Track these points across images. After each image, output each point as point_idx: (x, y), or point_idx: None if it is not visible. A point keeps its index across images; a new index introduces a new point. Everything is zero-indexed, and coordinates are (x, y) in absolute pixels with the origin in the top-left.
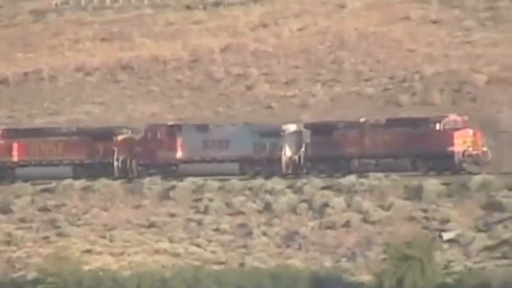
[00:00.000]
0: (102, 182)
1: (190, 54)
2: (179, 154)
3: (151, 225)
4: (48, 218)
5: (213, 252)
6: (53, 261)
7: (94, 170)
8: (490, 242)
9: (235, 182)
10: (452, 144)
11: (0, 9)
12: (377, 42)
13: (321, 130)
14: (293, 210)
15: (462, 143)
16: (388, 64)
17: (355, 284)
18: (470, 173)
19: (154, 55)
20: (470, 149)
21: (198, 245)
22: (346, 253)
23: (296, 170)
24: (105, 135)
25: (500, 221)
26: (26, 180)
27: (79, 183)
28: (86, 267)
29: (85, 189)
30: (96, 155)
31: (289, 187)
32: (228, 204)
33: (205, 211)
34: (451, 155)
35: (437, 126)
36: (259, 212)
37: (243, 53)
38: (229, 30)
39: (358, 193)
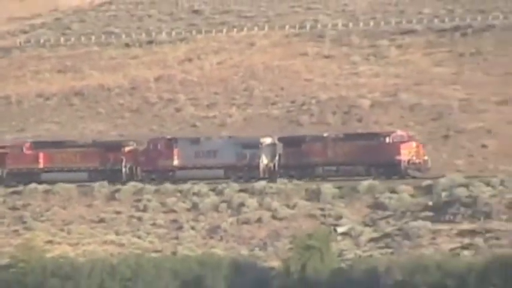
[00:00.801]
0: (60, 186)
1: (129, 83)
2: (176, 162)
3: (101, 220)
4: (16, 215)
5: (151, 242)
6: (22, 250)
7: (106, 175)
8: (375, 235)
9: (168, 186)
10: (399, 154)
11: None
12: (281, 74)
13: (291, 143)
14: (215, 208)
15: (407, 153)
16: (290, 91)
17: (266, 268)
18: (414, 178)
19: (100, 84)
20: (414, 158)
21: (139, 237)
22: (259, 243)
23: (271, 175)
24: (115, 146)
25: (383, 218)
26: (50, 184)
27: (42, 187)
28: (49, 255)
29: (47, 191)
30: (108, 163)
31: (212, 190)
32: (163, 204)
33: (144, 209)
34: (398, 163)
35: (387, 140)
36: (188, 210)
37: (172, 82)
38: (160, 63)
39: (268, 195)
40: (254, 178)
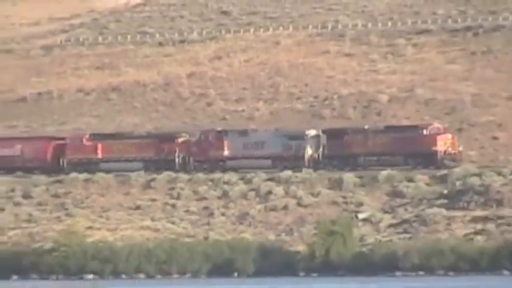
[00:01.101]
0: (99, 175)
1: (163, 79)
2: (226, 153)
3: (137, 207)
4: (58, 202)
5: (184, 228)
6: (64, 235)
7: (160, 165)
8: (394, 221)
9: (200, 175)
10: (436, 145)
11: (18, 45)
12: (304, 71)
13: (334, 135)
14: (244, 196)
15: (443, 144)
16: (313, 87)
17: (292, 252)
18: (448, 167)
19: (136, 80)
20: (450, 149)
21: (173, 223)
22: (285, 229)
23: (315, 165)
24: (169, 138)
25: (401, 205)
26: (107, 172)
27: (82, 175)
28: (89, 240)
29: (86, 180)
30: (162, 153)
31: (241, 179)
32: (195, 192)
33: (178, 197)
34: (435, 153)
35: (424, 132)
36: (219, 197)
37: (203, 78)
38: (192, 61)
39: (293, 184)
40: (299, 167)
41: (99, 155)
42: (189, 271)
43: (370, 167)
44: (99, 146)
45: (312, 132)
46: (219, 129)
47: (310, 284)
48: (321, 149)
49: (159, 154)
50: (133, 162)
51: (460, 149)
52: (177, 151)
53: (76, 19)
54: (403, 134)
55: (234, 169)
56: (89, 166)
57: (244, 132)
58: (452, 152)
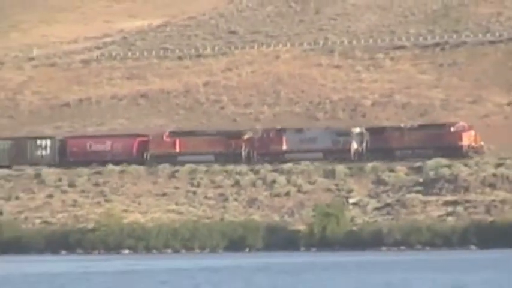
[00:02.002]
0: (132, 167)
1: (183, 87)
2: (284, 147)
3: (164, 194)
4: (98, 190)
5: (203, 211)
6: (104, 217)
7: (228, 158)
8: (378, 205)
9: (216, 167)
10: (461, 140)
11: (60, 59)
12: (301, 80)
13: (375, 132)
14: (253, 184)
15: (468, 139)
16: (308, 93)
17: (294, 231)
18: (471, 158)
19: (161, 88)
20: (473, 143)
21: (194, 207)
22: (288, 212)
23: (360, 157)
24: (236, 134)
25: (384, 191)
26: (183, 165)
27: (118, 167)
28: (125, 221)
29: (121, 171)
30: (230, 148)
31: (250, 170)
32: (212, 181)
33: (198, 185)
34: (461, 147)
35: (452, 129)
36: (232, 186)
37: (217, 86)
38: (207, 72)
39: (294, 174)
40: (346, 160)
41: (177, 150)
42: (209, 246)
43: (406, 159)
44: (177, 141)
45: (357, 129)
46: (278, 127)
47: (310, 257)
48: (364, 144)
49: (228, 149)
50: (206, 155)
51: (482, 143)
52: (243, 146)
53: (108, 38)
54: (434, 131)
55: (292, 161)
56: (169, 159)
57: (299, 130)
58: (475, 145)
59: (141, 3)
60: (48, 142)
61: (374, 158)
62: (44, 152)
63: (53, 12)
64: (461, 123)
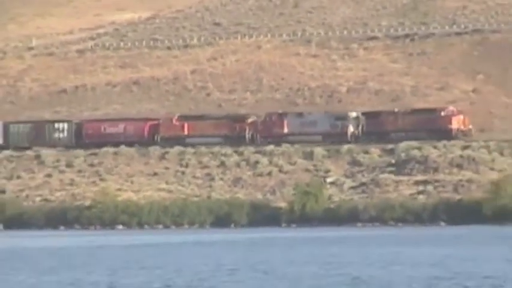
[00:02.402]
0: (124, 149)
1: (172, 75)
2: (286, 130)
3: (155, 174)
4: (94, 170)
5: (192, 190)
6: (99, 195)
7: (233, 140)
8: (354, 184)
9: (203, 149)
10: (451, 123)
11: (57, 49)
12: (281, 68)
13: (371, 116)
14: (238, 165)
15: (457, 123)
16: (288, 81)
17: (276, 208)
18: (458, 139)
19: (151, 76)
20: (462, 126)
21: (183, 186)
22: (270, 190)
23: (357, 139)
24: (241, 118)
25: (359, 172)
26: (192, 147)
27: (112, 149)
28: (119, 199)
29: (115, 153)
30: (235, 131)
31: (235, 151)
32: (199, 162)
33: (186, 166)
34: (450, 130)
35: (442, 113)
36: (218, 166)
37: (203, 74)
38: (194, 61)
39: (275, 155)
40: (344, 142)
41: (186, 132)
42: (197, 222)
43: (399, 141)
44: (186, 125)
45: (354, 114)
46: (280, 111)
47: (291, 232)
48: (360, 127)
49: (233, 131)
50: (212, 138)
51: (470, 126)
52: (247, 129)
53: (101, 29)
54: (425, 115)
55: (292, 143)
56: (178, 141)
57: (300, 114)
58: (464, 129)
59: None
60: (66, 125)
61: (370, 140)
62: (61, 135)
63: (48, 7)
64: (451, 108)
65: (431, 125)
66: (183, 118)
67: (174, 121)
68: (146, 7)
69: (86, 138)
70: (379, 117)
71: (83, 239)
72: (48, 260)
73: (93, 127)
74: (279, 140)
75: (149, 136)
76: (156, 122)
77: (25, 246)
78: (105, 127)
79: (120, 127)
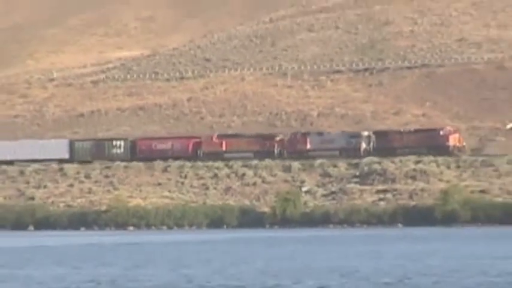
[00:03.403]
0: (133, 163)
1: (171, 102)
2: (308, 146)
3: (159, 184)
4: (108, 180)
5: (190, 197)
6: (114, 202)
7: (264, 155)
8: (325, 192)
9: (199, 163)
10: (448, 141)
11: (74, 80)
12: (262, 96)
13: (380, 134)
14: (228, 176)
15: (453, 141)
16: (268, 106)
17: (261, 212)
18: (454, 156)
19: (154, 103)
20: (458, 144)
21: (183, 194)
22: (255, 197)
23: (369, 155)
24: (270, 137)
25: (329, 182)
26: (229, 160)
27: (123, 163)
28: (130, 205)
29: (126, 166)
30: (265, 147)
31: (225, 165)
32: (196, 174)
33: (185, 177)
34: (448, 147)
35: (441, 132)
36: (212, 177)
37: (197, 101)
38: (189, 90)
39: (259, 168)
40: (357, 157)
41: (224, 148)
42: (195, 224)
43: (404, 156)
44: (224, 142)
45: (366, 133)
46: (303, 131)
47: (274, 233)
48: (371, 144)
49: (263, 148)
50: (246, 153)
51: (464, 143)
52: (276, 146)
53: (110, 64)
54: (426, 134)
55: (314, 157)
56: (217, 156)
57: (320, 133)
58: (459, 145)
59: (125, 38)
60: (122, 142)
61: (379, 155)
62: (118, 151)
63: (59, 45)
64: (449, 128)
65: (432, 143)
66: (222, 136)
67: (214, 139)
68: (139, 46)
69: (139, 153)
70: (387, 136)
71: (102, 238)
72: (80, 254)
73: (145, 144)
74: (303, 155)
75: (193, 152)
76: (198, 140)
77: (55, 244)
78: (155, 144)
79: (168, 144)
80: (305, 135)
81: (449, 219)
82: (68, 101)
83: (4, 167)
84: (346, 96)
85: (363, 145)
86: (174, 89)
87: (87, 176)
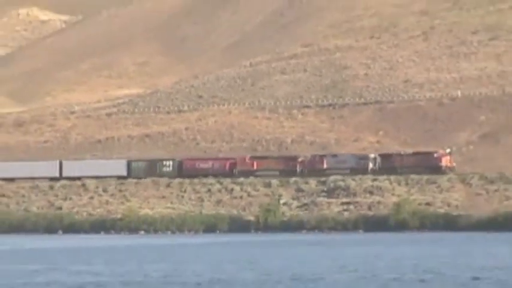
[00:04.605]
0: (143, 180)
1: (172, 131)
2: (325, 166)
3: (163, 197)
4: (121, 194)
5: (189, 208)
6: (127, 211)
7: (287, 173)
8: (299, 204)
9: (196, 180)
10: (441, 162)
11: (91, 113)
12: (246, 126)
13: (384, 156)
14: (220, 191)
15: (445, 162)
16: (251, 134)
17: (247, 220)
18: (440, 173)
19: (157, 131)
20: (449, 164)
21: (183, 205)
22: (242, 208)
23: (375, 173)
24: (293, 158)
25: (302, 196)
26: (258, 177)
27: (134, 180)
28: (140, 214)
29: (136, 183)
30: (289, 167)
31: (217, 182)
32: (194, 189)
33: (185, 191)
34: (441, 167)
35: (435, 155)
36: (206, 192)
37: (193, 130)
38: (186, 121)
39: (245, 185)
40: (365, 174)
41: (255, 168)
42: (193, 230)
43: (405, 174)
44: (255, 162)
45: (372, 155)
46: (320, 154)
47: (258, 237)
48: (377, 164)
49: (287, 167)
50: (273, 171)
51: (454, 164)
52: (298, 166)
53: (119, 100)
54: (423, 156)
55: (329, 175)
56: (249, 173)
57: (335, 155)
58: (450, 166)
59: (125, 79)
60: (171, 162)
61: (384, 173)
62: (168, 169)
63: (71, 85)
64: (441, 151)
65: (427, 163)
66: (253, 158)
67: (246, 160)
68: (138, 86)
69: (185, 171)
70: (390, 158)
71: (119, 241)
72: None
73: (190, 163)
74: (320, 173)
75: (229, 170)
76: (234, 161)
77: (81, 246)
78: (198, 163)
79: (209, 163)
80: (322, 157)
81: (401, 226)
82: (87, 130)
83: (37, 182)
84: (314, 127)
85: (370, 165)
86: (174, 120)
87: (105, 190)
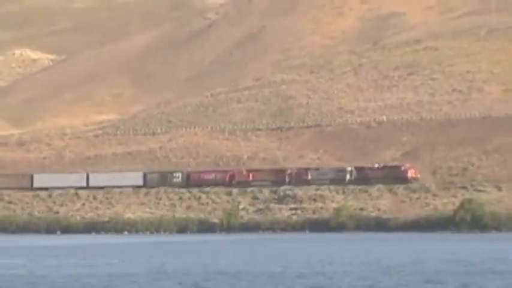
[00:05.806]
0: (127, 189)
1: (148, 150)
2: (309, 177)
3: (142, 203)
4: (108, 201)
5: (164, 212)
6: (113, 215)
7: (278, 183)
8: (255, 209)
9: (169, 189)
10: (407, 173)
11: (82, 135)
12: (209, 146)
13: (359, 169)
14: (189, 198)
15: (411, 174)
16: (213, 153)
17: (213, 222)
18: (407, 183)
19: (136, 150)
20: (414, 175)
21: (159, 210)
22: (209, 212)
23: (350, 183)
24: (282, 170)
25: (258, 203)
26: (253, 186)
27: (128, 190)
28: (124, 217)
29: (120, 192)
30: (279, 178)
31: (187, 191)
32: (168, 197)
33: (160, 199)
34: (407, 178)
35: (402, 168)
36: (179, 199)
37: (165, 149)
38: (159, 142)
39: (210, 193)
40: (344, 183)
41: (250, 178)
42: (168, 231)
43: (376, 184)
44: (250, 174)
45: (349, 168)
46: (305, 167)
47: (222, 237)
48: (353, 176)
49: (277, 178)
50: (265, 181)
51: (418, 175)
52: (286, 177)
53: (105, 124)
54: (392, 169)
55: (312, 184)
56: (246, 184)
57: (317, 169)
58: (415, 177)
59: (102, 107)
60: (180, 174)
61: (358, 183)
62: (177, 180)
63: (59, 111)
64: (408, 165)
65: (395, 175)
66: (249, 170)
67: (244, 172)
68: (114, 112)
69: (192, 181)
70: (364, 170)
71: (107, 240)
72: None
73: (196, 175)
74: (305, 183)
75: (229, 181)
76: (233, 173)
77: (78, 243)
78: (203, 175)
79: (212, 175)
80: (307, 170)
81: (340, 228)
82: (78, 148)
83: (38, 192)
84: (265, 146)
85: (347, 176)
86: (149, 140)
87: (95, 198)
